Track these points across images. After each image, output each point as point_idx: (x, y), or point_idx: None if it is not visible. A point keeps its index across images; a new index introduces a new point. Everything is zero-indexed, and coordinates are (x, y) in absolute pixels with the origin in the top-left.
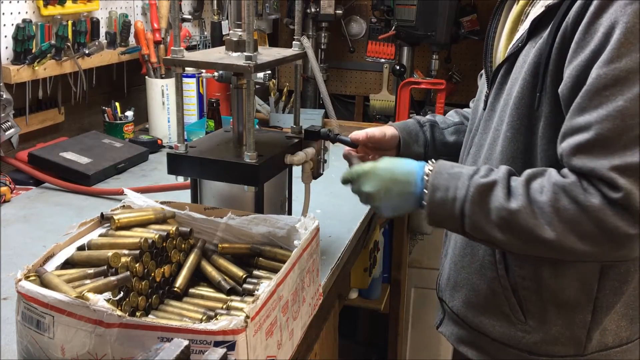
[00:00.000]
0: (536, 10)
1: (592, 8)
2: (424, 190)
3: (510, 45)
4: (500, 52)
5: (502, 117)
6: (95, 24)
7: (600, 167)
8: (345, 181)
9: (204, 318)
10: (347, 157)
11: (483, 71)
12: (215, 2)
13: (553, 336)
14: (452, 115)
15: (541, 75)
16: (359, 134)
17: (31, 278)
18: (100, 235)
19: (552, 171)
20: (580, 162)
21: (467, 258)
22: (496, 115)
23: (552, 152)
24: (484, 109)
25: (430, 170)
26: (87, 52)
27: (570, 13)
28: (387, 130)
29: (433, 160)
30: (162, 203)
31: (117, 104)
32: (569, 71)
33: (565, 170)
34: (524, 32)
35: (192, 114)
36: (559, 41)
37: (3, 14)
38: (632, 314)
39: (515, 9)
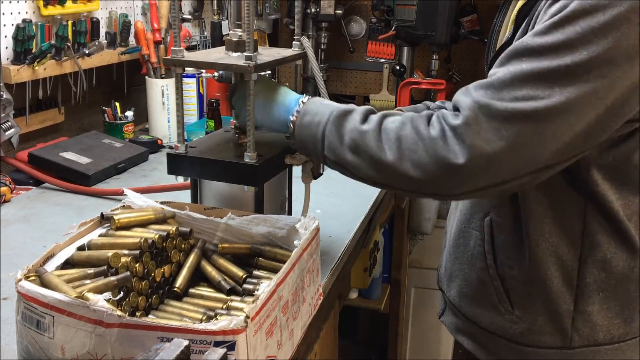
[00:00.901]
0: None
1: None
2: (296, 112)
3: (502, 39)
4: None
5: None
6: (95, 24)
7: (465, 97)
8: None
9: (204, 318)
10: None
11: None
12: (215, 2)
13: (539, 326)
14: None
15: None
16: None
17: (31, 278)
18: (100, 235)
19: (408, 112)
20: (458, 95)
21: (460, 248)
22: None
23: None
24: None
25: (307, 97)
26: (87, 52)
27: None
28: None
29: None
30: (162, 203)
31: (117, 104)
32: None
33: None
34: (511, 25)
35: (192, 114)
36: (531, 28)
37: (3, 14)
38: (627, 314)
39: (517, 5)
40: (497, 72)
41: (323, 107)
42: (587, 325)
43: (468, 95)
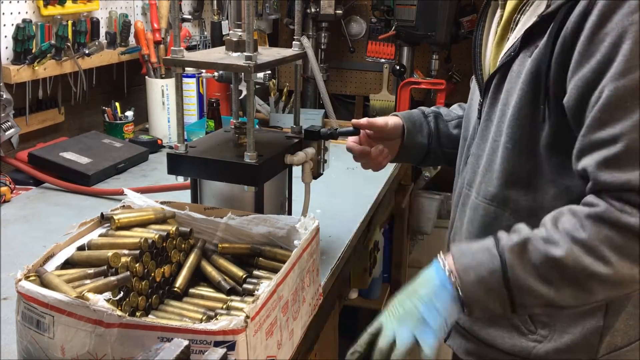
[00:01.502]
0: (527, 19)
1: (593, 17)
2: (451, 278)
3: (502, 55)
4: (490, 59)
5: (500, 128)
6: (95, 24)
7: (634, 178)
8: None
9: (204, 318)
10: (350, 149)
11: (473, 76)
12: (215, 2)
13: (566, 344)
14: (456, 109)
15: (543, 87)
16: (360, 120)
17: (31, 278)
18: (100, 235)
19: (573, 207)
20: (611, 176)
21: None
22: (493, 126)
23: (556, 160)
24: (479, 118)
25: (447, 257)
26: (87, 52)
27: (568, 22)
28: (390, 119)
29: (443, 254)
30: (162, 203)
31: (117, 104)
32: (574, 82)
33: (589, 199)
34: (517, 42)
35: (192, 114)
36: (559, 51)
37: (3, 14)
38: (638, 312)
39: (504, 16)
40: (621, 133)
41: (477, 254)
42: (609, 335)
43: (623, 174)
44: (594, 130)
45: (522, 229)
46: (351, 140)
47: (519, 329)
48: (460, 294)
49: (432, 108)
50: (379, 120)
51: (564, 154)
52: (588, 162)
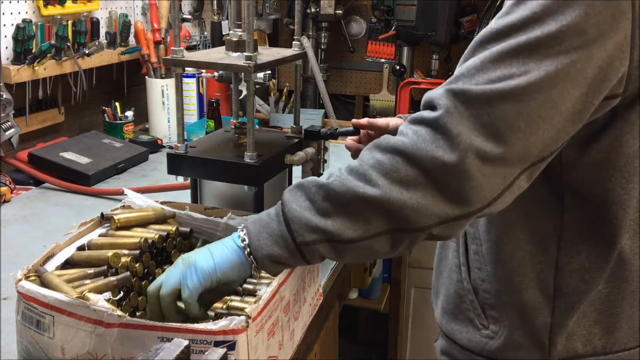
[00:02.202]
0: None
1: None
2: (240, 232)
3: None
4: None
5: None
6: (95, 24)
7: (434, 92)
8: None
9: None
10: (348, 147)
11: None
12: (215, 2)
13: (515, 341)
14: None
15: None
16: (360, 120)
17: (31, 278)
18: (100, 235)
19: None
20: (427, 94)
21: (442, 262)
22: None
23: None
24: None
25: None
26: (87, 52)
27: None
28: (392, 120)
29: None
30: (162, 203)
31: (117, 104)
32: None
33: None
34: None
35: (192, 114)
36: None
37: (3, 14)
38: (608, 321)
39: None
40: (466, 62)
41: (263, 213)
42: (563, 336)
43: (437, 90)
44: (458, 66)
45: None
46: (350, 139)
47: (474, 323)
48: (247, 247)
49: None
50: (380, 120)
51: None
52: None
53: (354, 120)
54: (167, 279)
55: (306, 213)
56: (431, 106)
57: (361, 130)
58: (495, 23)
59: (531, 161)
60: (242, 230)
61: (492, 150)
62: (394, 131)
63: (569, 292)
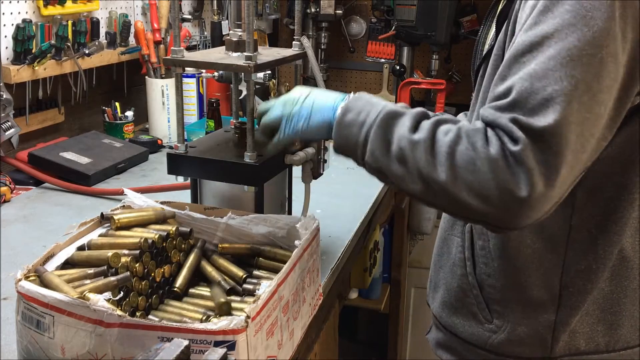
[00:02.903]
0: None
1: None
2: (339, 110)
3: (486, 45)
4: None
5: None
6: (95, 24)
7: (502, 117)
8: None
9: (203, 318)
10: None
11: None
12: (215, 2)
13: (518, 336)
14: (462, 118)
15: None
16: None
17: (31, 278)
18: (100, 235)
19: (464, 121)
20: (488, 112)
21: (444, 257)
22: (474, 117)
23: None
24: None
25: (354, 94)
26: (87, 52)
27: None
28: None
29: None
30: (162, 203)
31: (117, 104)
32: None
33: (476, 121)
34: (494, 30)
35: (192, 114)
36: (511, 28)
37: (3, 14)
38: (611, 319)
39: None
40: (513, 85)
41: (370, 105)
42: (566, 333)
43: (501, 116)
44: (495, 86)
45: (418, 109)
46: None
47: (477, 317)
48: (334, 125)
49: (437, 114)
50: None
51: None
52: (482, 111)
53: None
54: (270, 114)
55: (383, 145)
56: (508, 135)
57: None
58: (526, 35)
59: (580, 173)
60: (342, 108)
61: (554, 176)
62: None
63: (574, 291)
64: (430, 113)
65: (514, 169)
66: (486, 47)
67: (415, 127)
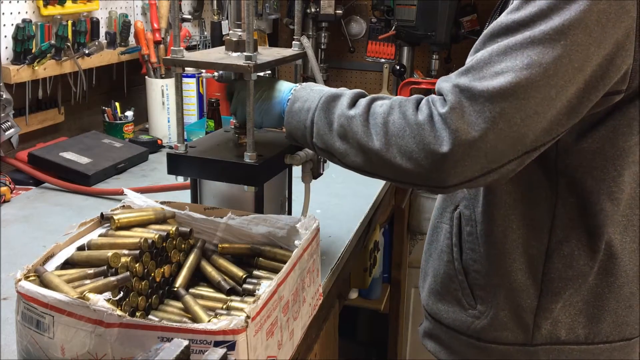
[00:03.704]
0: None
1: None
2: (287, 101)
3: None
4: None
5: None
6: (95, 24)
7: (446, 82)
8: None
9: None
10: None
11: None
12: (215, 2)
13: (501, 321)
14: None
15: None
16: None
17: (31, 278)
18: (100, 235)
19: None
20: (439, 82)
21: (433, 245)
22: None
23: None
24: None
25: (300, 85)
26: (87, 52)
27: None
28: None
29: None
30: (162, 203)
31: (117, 104)
32: None
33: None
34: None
35: (192, 114)
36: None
37: (3, 14)
38: (593, 312)
39: None
40: (476, 55)
41: (313, 93)
42: (548, 321)
43: (449, 81)
44: (468, 59)
45: (356, 90)
46: None
47: (462, 302)
48: (284, 111)
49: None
50: None
51: None
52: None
53: None
54: (235, 103)
55: (327, 127)
56: (440, 95)
57: None
58: (505, 18)
59: (523, 150)
60: (290, 99)
61: (485, 140)
62: None
63: (556, 277)
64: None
65: (437, 129)
66: None
67: (352, 104)
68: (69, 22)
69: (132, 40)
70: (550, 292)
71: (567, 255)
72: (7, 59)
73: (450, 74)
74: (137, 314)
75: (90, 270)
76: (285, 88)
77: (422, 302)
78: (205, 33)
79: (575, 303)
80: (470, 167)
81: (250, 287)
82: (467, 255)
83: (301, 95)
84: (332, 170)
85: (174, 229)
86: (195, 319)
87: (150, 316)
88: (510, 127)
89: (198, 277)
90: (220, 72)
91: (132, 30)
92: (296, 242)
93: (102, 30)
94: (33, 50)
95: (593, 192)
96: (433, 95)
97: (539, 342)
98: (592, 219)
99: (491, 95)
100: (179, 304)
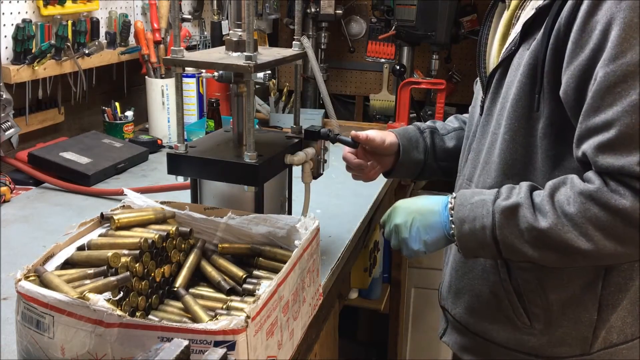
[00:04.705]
0: (527, 13)
1: (584, 6)
2: (451, 224)
3: (504, 50)
4: (494, 56)
5: (499, 121)
6: (95, 24)
7: (629, 163)
8: (382, 224)
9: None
10: (346, 158)
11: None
12: (215, 2)
13: (559, 337)
14: (452, 121)
15: (539, 77)
16: (359, 134)
17: (31, 278)
18: (100, 235)
19: (574, 178)
20: (607, 161)
21: (469, 264)
22: (493, 120)
23: (554, 152)
24: (481, 114)
25: (453, 201)
26: (87, 52)
27: (562, 13)
28: (388, 137)
29: (454, 194)
30: (162, 203)
31: (117, 104)
32: (569, 72)
33: (588, 175)
34: (517, 36)
35: (192, 114)
36: (554, 42)
37: (3, 14)
38: (638, 310)
39: (507, 13)
40: (614, 119)
41: (476, 209)
42: (604, 330)
43: (619, 159)
44: (589, 117)
45: (522, 189)
46: (348, 151)
47: (514, 322)
48: (456, 241)
49: (428, 123)
50: (377, 138)
51: (558, 145)
52: (586, 147)
53: (353, 133)
54: (391, 241)
55: (516, 241)
56: (638, 179)
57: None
58: (614, 65)
59: None
60: (453, 224)
61: None
62: (388, 148)
63: (615, 290)
64: (534, 185)
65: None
66: (494, 50)
67: (535, 213)
68: (69, 22)
69: (132, 40)
70: (610, 305)
71: (628, 268)
72: (7, 59)
73: (596, 144)
74: (137, 314)
75: (90, 270)
76: (439, 208)
77: (457, 317)
78: (205, 33)
79: (625, 306)
80: None
81: (250, 287)
82: (518, 276)
83: (465, 215)
84: (332, 170)
85: (174, 229)
86: (195, 319)
87: (150, 316)
88: None
89: (198, 277)
90: (220, 72)
91: (132, 30)
92: (296, 242)
93: (102, 30)
94: (33, 50)
95: None
96: (624, 178)
97: (596, 349)
98: None
99: None
100: (179, 304)
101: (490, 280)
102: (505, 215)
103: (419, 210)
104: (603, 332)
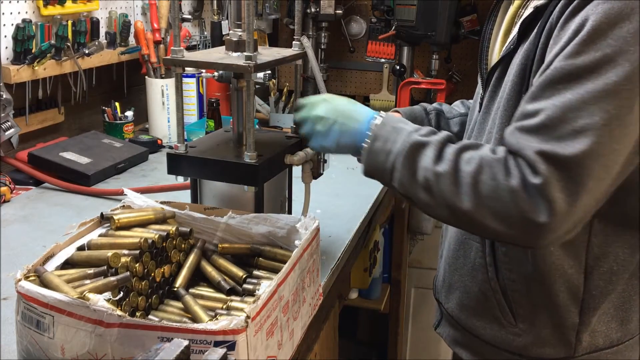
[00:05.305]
0: (527, 12)
1: (570, 7)
2: (367, 138)
3: (504, 47)
4: (496, 54)
5: (494, 120)
6: (95, 24)
7: (527, 147)
8: (300, 105)
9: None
10: None
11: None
12: (215, 2)
13: (543, 338)
14: (458, 106)
15: (526, 77)
16: None
17: (31, 278)
18: (100, 235)
19: (485, 146)
20: (514, 139)
21: (460, 260)
22: (490, 118)
23: None
24: (479, 112)
25: (379, 118)
26: (87, 52)
27: (553, 13)
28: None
29: (383, 113)
30: (162, 203)
31: (117, 104)
32: (542, 67)
33: (498, 147)
34: (515, 34)
35: (192, 114)
36: (543, 41)
37: (3, 14)
38: (622, 315)
39: (511, 10)
40: (543, 109)
41: (395, 133)
42: (588, 334)
43: (529, 142)
44: (526, 103)
45: (441, 134)
46: None
47: (500, 320)
48: (362, 153)
49: (434, 105)
50: None
51: None
52: (509, 127)
53: None
54: (301, 128)
55: (409, 175)
56: (530, 167)
57: None
58: (566, 62)
59: (602, 198)
60: (368, 139)
61: (580, 205)
62: None
63: (597, 293)
64: (453, 137)
65: (534, 199)
66: (496, 47)
67: (438, 158)
68: (69, 22)
69: (132, 40)
70: (591, 308)
71: (607, 271)
72: (7, 59)
73: (517, 129)
74: (137, 314)
75: (90, 270)
76: (364, 118)
77: (449, 311)
78: (205, 33)
79: (607, 310)
80: (565, 232)
81: (250, 287)
82: (505, 275)
83: (382, 134)
84: (332, 170)
85: (174, 229)
86: (195, 319)
87: (150, 316)
88: (599, 186)
89: (198, 277)
90: (220, 72)
91: (132, 30)
92: (296, 242)
93: (102, 30)
94: (33, 50)
95: (635, 208)
96: (521, 161)
97: (580, 353)
98: (630, 233)
99: (579, 160)
100: (179, 304)
101: (479, 278)
102: (413, 147)
103: (345, 114)
104: (587, 336)
